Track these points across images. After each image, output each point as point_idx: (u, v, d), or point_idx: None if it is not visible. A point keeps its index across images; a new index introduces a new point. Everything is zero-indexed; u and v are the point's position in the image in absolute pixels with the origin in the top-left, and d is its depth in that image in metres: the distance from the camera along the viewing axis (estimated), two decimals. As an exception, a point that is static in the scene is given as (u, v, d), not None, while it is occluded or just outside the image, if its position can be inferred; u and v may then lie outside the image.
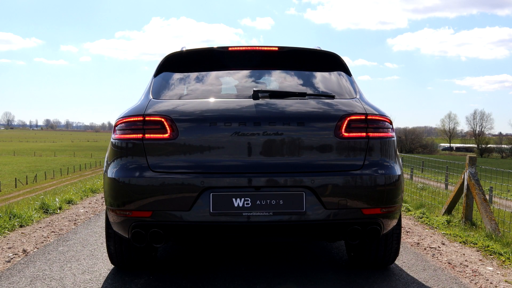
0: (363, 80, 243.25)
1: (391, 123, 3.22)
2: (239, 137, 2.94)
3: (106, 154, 3.29)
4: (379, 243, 3.59)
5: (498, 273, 4.12)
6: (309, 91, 3.41)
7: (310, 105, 3.14)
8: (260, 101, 3.09)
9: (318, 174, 2.93)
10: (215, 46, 3.62)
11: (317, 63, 3.66)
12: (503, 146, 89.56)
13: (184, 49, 3.69)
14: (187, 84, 3.51)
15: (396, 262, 4.30)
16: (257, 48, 3.56)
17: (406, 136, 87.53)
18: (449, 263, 4.42)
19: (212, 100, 3.22)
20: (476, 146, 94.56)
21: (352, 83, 3.55)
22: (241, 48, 3.55)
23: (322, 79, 3.56)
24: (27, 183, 39.36)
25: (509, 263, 4.40)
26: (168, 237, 3.02)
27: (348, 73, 3.64)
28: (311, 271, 3.85)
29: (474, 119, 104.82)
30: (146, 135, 2.99)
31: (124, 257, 3.61)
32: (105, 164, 3.23)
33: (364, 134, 3.06)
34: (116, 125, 3.17)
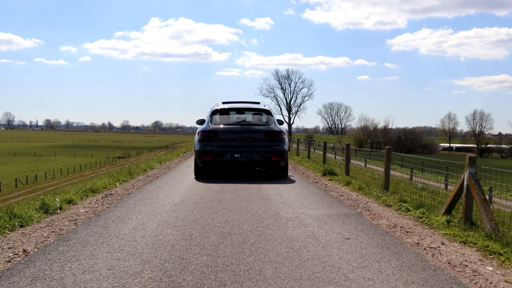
0: (362, 81, 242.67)
1: (282, 131, 10.89)
2: (236, 135, 10.65)
3: (195, 141, 10.94)
4: (279, 169, 11.04)
5: (497, 273, 4.13)
6: (259, 123, 11.25)
7: (259, 127, 10.92)
8: (243, 126, 10.89)
9: (260, 147, 10.65)
10: (227, 104, 11.68)
11: (261, 112, 11.65)
12: (503, 146, 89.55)
13: (219, 105, 11.42)
14: (221, 117, 11.21)
15: (394, 261, 4.32)
16: (243, 105, 11.84)
17: (406, 136, 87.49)
18: (449, 263, 4.42)
19: (227, 126, 10.91)
20: (476, 146, 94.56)
21: (273, 118, 11.26)
22: (237, 105, 11.71)
23: (263, 118, 11.48)
24: (27, 183, 39.34)
25: (508, 263, 4.40)
26: (216, 166, 10.68)
27: (272, 115, 11.42)
28: (265, 178, 9.87)
29: (474, 119, 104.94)
30: (208, 132, 10.67)
31: (199, 173, 10.99)
32: (195, 144, 10.91)
33: (273, 135, 10.79)
34: (199, 132, 10.74)
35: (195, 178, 10.84)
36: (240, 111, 11.74)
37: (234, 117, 11.67)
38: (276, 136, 10.67)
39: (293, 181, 10.74)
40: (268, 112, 11.36)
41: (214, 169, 12.28)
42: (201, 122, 11.49)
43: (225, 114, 11.30)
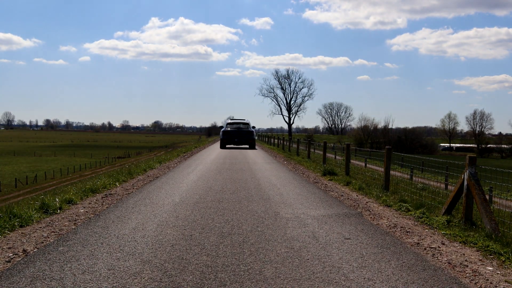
0: (362, 81, 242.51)
1: (253, 131, 31.44)
2: (236, 132, 30.32)
3: (220, 134, 31.65)
4: (252, 145, 30.73)
5: (498, 273, 4.12)
6: (244, 128, 31.22)
7: (244, 130, 30.76)
8: (238, 129, 30.96)
9: (244, 137, 30.50)
10: (232, 120, 33.34)
11: (245, 123, 31.77)
12: (503, 146, 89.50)
13: (230, 119, 38.09)
14: (229, 126, 31.34)
15: (395, 261, 4.32)
16: (239, 120, 32.39)
17: (406, 136, 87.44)
18: (449, 263, 4.42)
19: (232, 129, 30.89)
20: (476, 146, 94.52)
21: (250, 126, 31.75)
22: (236, 121, 32.41)
23: (247, 125, 31.51)
24: (27, 183, 39.35)
25: (509, 263, 4.40)
26: (228, 144, 30.55)
27: (249, 124, 31.80)
28: (247, 150, 24.84)
29: (474, 119, 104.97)
30: (225, 131, 30.55)
31: (223, 145, 30.58)
32: (220, 135, 31.34)
33: (249, 132, 30.67)
34: (222, 131, 31.10)
35: (220, 148, 28.30)
36: (237, 123, 30.02)
37: (235, 125, 29.62)
38: (251, 133, 29.59)
39: (256, 149, 28.62)
40: (248, 123, 30.19)
41: (228, 145, 29.95)
42: (221, 127, 35.11)
43: (231, 124, 29.66)
